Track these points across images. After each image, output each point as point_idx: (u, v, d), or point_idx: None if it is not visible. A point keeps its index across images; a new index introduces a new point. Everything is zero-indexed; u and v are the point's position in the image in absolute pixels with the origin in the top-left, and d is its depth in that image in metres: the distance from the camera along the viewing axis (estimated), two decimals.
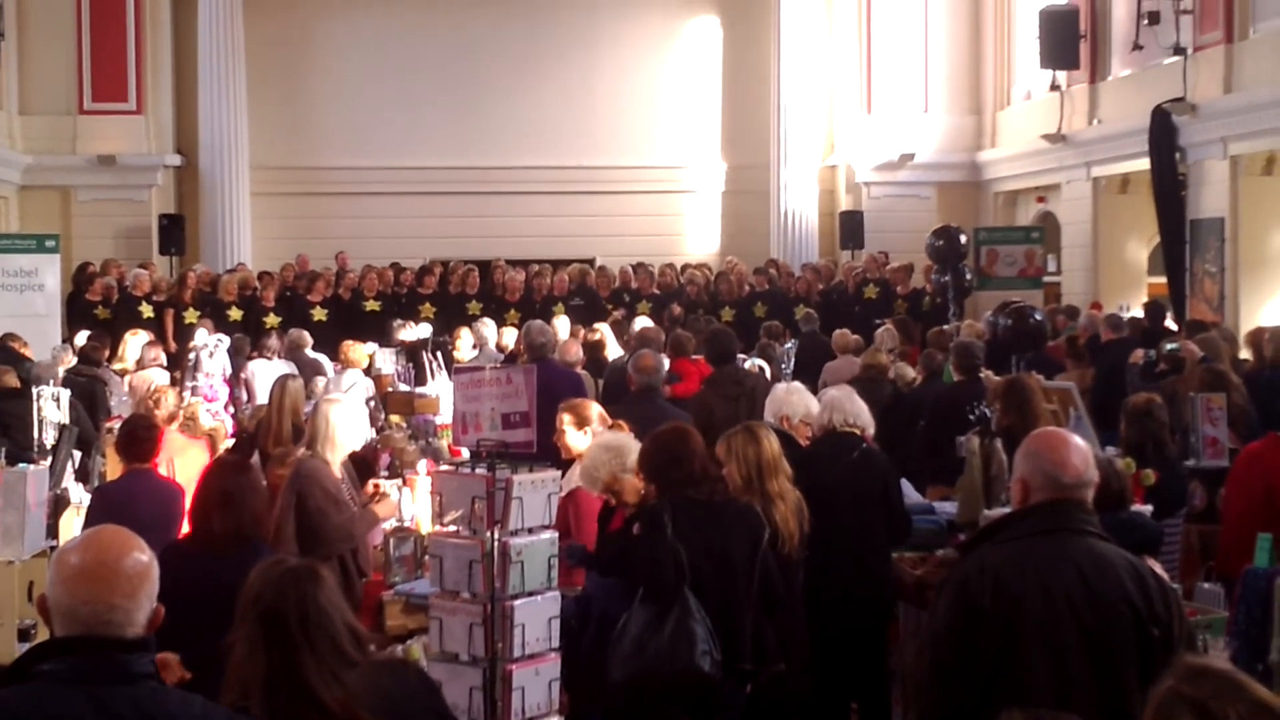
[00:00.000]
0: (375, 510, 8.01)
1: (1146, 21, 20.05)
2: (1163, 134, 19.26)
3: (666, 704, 6.33)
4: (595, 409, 8.25)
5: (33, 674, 3.31)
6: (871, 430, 8.58)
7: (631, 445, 7.20)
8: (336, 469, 8.07)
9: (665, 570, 6.22)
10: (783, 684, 7.00)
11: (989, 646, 4.45)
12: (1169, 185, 19.41)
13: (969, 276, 21.01)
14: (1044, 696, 4.37)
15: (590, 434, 7.97)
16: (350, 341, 14.45)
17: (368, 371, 14.81)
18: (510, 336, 15.76)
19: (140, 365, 15.29)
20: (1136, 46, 20.32)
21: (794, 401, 8.78)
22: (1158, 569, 5.19)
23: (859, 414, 8.40)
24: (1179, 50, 19.32)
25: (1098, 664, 4.47)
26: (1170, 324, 16.92)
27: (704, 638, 6.19)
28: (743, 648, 6.49)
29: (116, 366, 15.13)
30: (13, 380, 12.59)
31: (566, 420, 8.00)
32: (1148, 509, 7.62)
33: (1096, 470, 4.77)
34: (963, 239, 21.11)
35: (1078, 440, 4.79)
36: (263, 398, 13.67)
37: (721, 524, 6.55)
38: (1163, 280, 20.38)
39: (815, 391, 9.89)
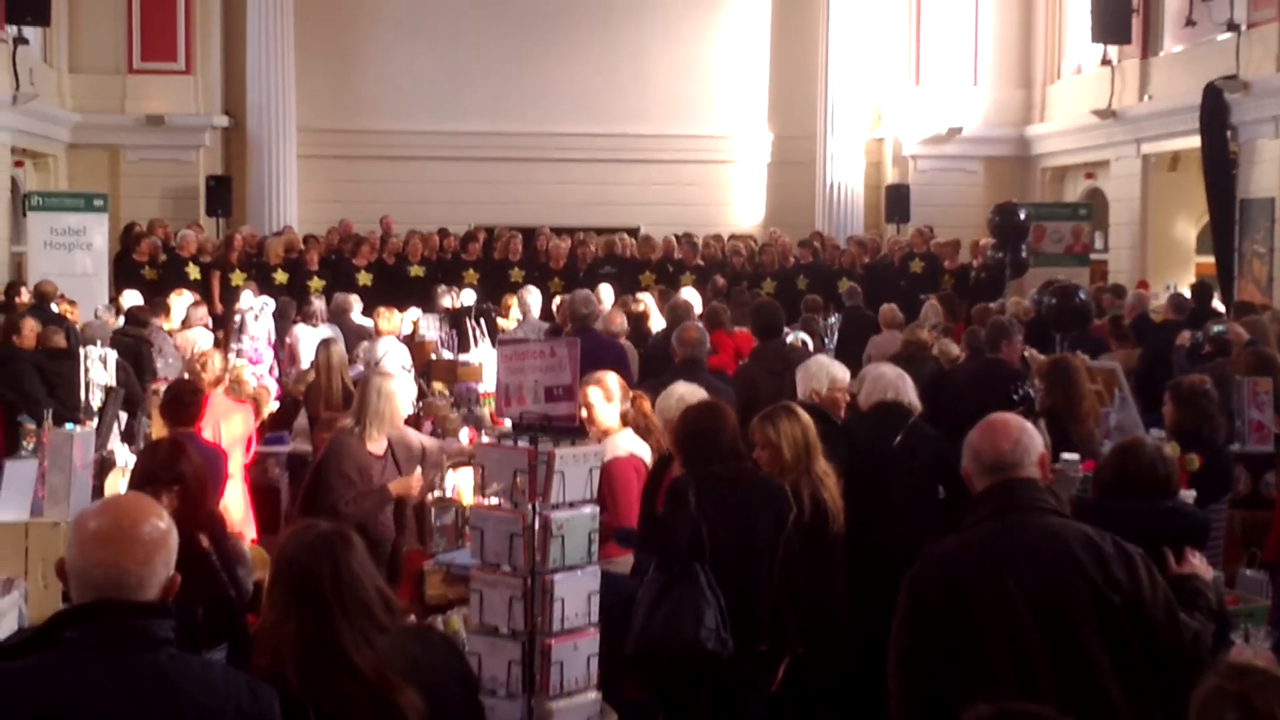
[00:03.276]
0: (389, 488, 8.14)
1: None
2: (1214, 111, 19.09)
3: (678, 679, 6.35)
4: (616, 380, 8.24)
5: (56, 640, 3.34)
6: (918, 406, 8.55)
7: (699, 393, 7.39)
8: (381, 444, 8.16)
9: (678, 541, 6.24)
10: (823, 663, 7.01)
11: (941, 635, 4.52)
12: (1220, 164, 19.25)
13: (1025, 254, 20.77)
14: (1005, 676, 4.42)
15: (616, 408, 7.99)
16: (384, 309, 14.43)
17: (411, 338, 14.85)
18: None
19: (185, 325, 15.38)
20: (1189, 22, 20.14)
21: (818, 374, 8.75)
22: (1197, 559, 5.16)
23: (907, 389, 8.37)
24: (1232, 26, 19.13)
25: (1055, 638, 4.49)
26: (1218, 305, 16.78)
27: (712, 615, 6.17)
28: (760, 628, 6.48)
29: (165, 327, 15.21)
30: (60, 340, 12.69)
31: (596, 394, 7.98)
32: (1191, 494, 7.57)
33: (1036, 448, 4.79)
34: (1023, 215, 20.83)
35: (1011, 422, 4.85)
36: (306, 362, 13.75)
37: (747, 502, 6.54)
38: (1211, 260, 20.24)
39: (860, 366, 9.88)
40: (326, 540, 4.06)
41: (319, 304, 16.05)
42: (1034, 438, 4.81)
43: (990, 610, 4.48)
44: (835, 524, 7.00)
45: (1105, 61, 22.84)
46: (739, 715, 6.56)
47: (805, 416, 7.18)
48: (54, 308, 15.78)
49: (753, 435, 7.08)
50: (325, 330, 15.05)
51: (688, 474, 6.50)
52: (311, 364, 12.76)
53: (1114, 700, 4.44)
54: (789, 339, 12.75)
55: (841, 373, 8.78)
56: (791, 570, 6.59)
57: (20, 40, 21.10)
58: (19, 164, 22.56)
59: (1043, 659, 4.46)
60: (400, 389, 8.39)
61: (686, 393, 7.60)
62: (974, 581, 4.51)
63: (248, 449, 10.29)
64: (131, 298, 16.11)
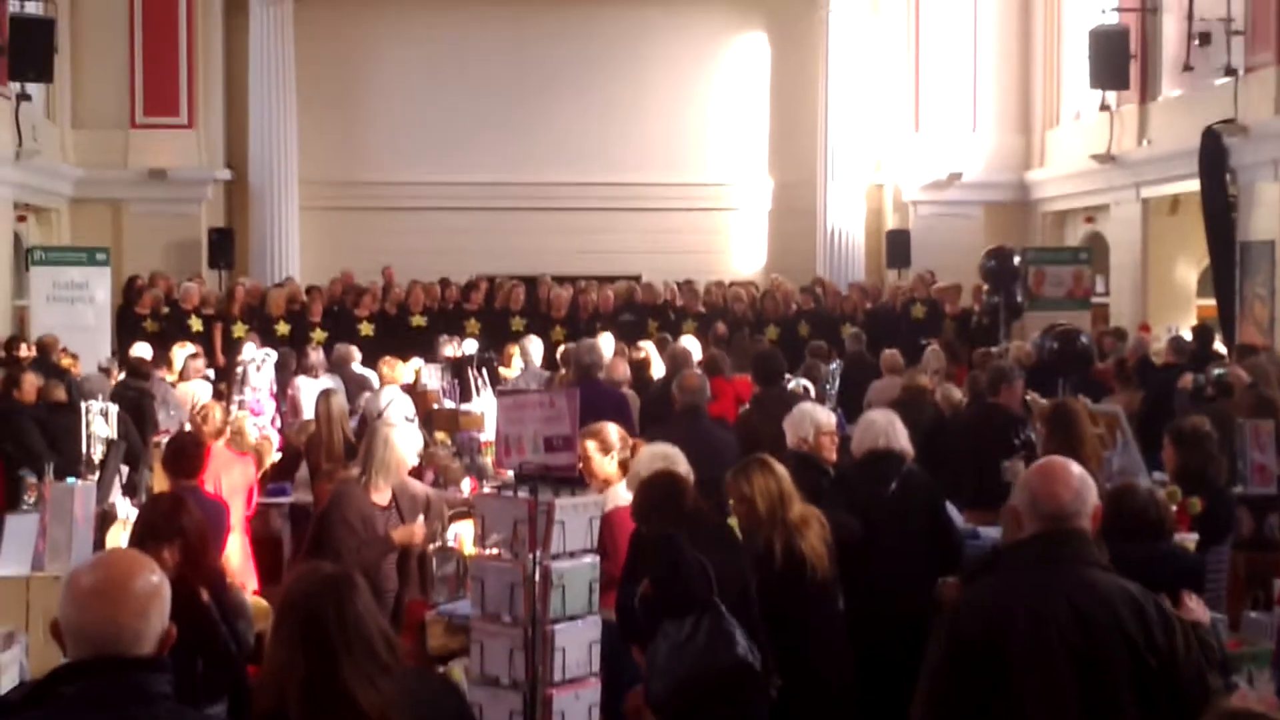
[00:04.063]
0: (392, 537, 8.14)
1: (1198, 42, 19.92)
2: (1213, 155, 19.12)
3: (714, 705, 6.35)
4: (615, 431, 8.25)
5: (53, 696, 3.33)
6: (911, 453, 8.55)
7: (680, 457, 7.37)
8: (385, 494, 8.16)
9: (694, 581, 6.25)
10: (825, 706, 7.01)
11: (981, 681, 4.43)
12: (1219, 207, 19.27)
13: (1021, 298, 20.89)
14: None
15: (615, 458, 8.00)
16: (389, 359, 14.51)
17: (413, 387, 14.87)
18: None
19: (184, 377, 15.41)
20: (1187, 67, 20.19)
21: (802, 422, 8.77)
22: (1194, 602, 5.14)
23: (899, 437, 8.38)
24: (1230, 71, 19.19)
25: (1092, 695, 4.43)
26: (1219, 347, 16.78)
27: (742, 636, 6.22)
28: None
29: (168, 379, 15.24)
30: (61, 394, 12.71)
31: (592, 447, 7.99)
32: (1194, 536, 7.56)
33: (1092, 499, 4.71)
34: (1016, 260, 20.98)
35: (1073, 470, 4.73)
36: (308, 413, 13.76)
37: (727, 546, 6.62)
38: (1212, 303, 20.22)
39: (861, 411, 9.88)
40: (331, 582, 4.07)
41: (318, 355, 16.09)
42: (1092, 489, 4.72)
43: (1031, 661, 4.41)
44: (817, 572, 6.97)
45: (1104, 107, 22.89)
46: None
47: (779, 468, 7.19)
48: (56, 360, 15.79)
49: (727, 489, 7.10)
50: (326, 381, 15.08)
51: (664, 526, 6.51)
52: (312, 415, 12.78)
53: None
54: (791, 385, 12.77)
55: (826, 418, 8.82)
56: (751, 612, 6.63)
57: (23, 96, 21.17)
58: (22, 219, 22.60)
59: (1076, 713, 4.41)
60: (405, 439, 8.40)
61: (647, 465, 7.47)
62: (1018, 631, 4.44)
63: (249, 500, 10.28)
64: (141, 350, 16.14)
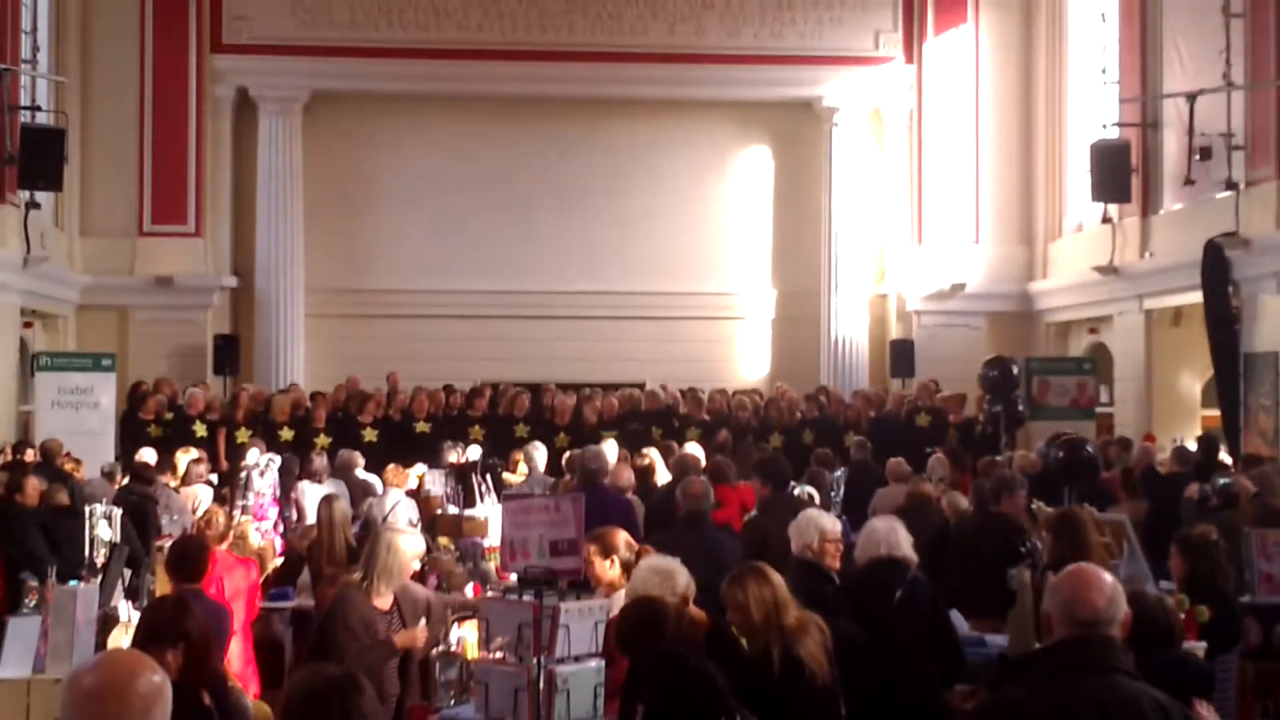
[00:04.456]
0: (395, 641, 8.09)
1: (1198, 157, 20.09)
2: (1215, 267, 19.23)
3: None
4: (623, 537, 8.23)
5: None
6: (914, 560, 8.52)
7: (680, 569, 7.25)
8: (388, 599, 8.12)
9: (717, 685, 6.21)
10: None
11: None
12: (1222, 318, 19.34)
13: (1021, 407, 20.94)
14: None
15: (617, 563, 7.96)
16: (394, 466, 14.56)
17: (417, 493, 14.85)
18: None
19: (186, 481, 15.40)
20: (1188, 181, 20.34)
21: (807, 528, 8.74)
22: (1206, 710, 5.10)
23: (902, 544, 8.36)
24: (1231, 185, 19.35)
25: None
26: (1224, 458, 16.77)
27: None
28: None
29: (171, 484, 15.24)
30: (63, 498, 12.71)
31: (591, 550, 7.96)
32: (1202, 645, 7.52)
33: (1124, 606, 4.70)
34: (1015, 370, 21.07)
35: (1105, 577, 4.73)
36: (312, 518, 13.74)
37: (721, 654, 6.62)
38: (1216, 413, 20.22)
39: (865, 518, 9.86)
40: (335, 684, 4.05)
41: (321, 461, 16.08)
42: (1123, 597, 4.72)
43: None
44: (816, 678, 6.92)
45: (1106, 219, 23.06)
46: None
47: (774, 576, 7.15)
48: (59, 465, 15.79)
49: (723, 597, 7.06)
50: (329, 486, 15.08)
51: (656, 655, 6.48)
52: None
53: None
54: (796, 492, 12.76)
55: (831, 524, 8.79)
56: None
57: (32, 205, 21.34)
58: (28, 325, 22.69)
59: None
60: (408, 544, 8.36)
61: (643, 580, 7.39)
62: None
63: (251, 605, 10.23)
64: (145, 455, 16.14)
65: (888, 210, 26.26)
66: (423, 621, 8.33)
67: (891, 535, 8.40)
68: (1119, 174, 22.01)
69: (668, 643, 6.48)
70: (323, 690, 4.02)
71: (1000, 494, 11.32)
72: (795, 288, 26.32)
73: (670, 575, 7.21)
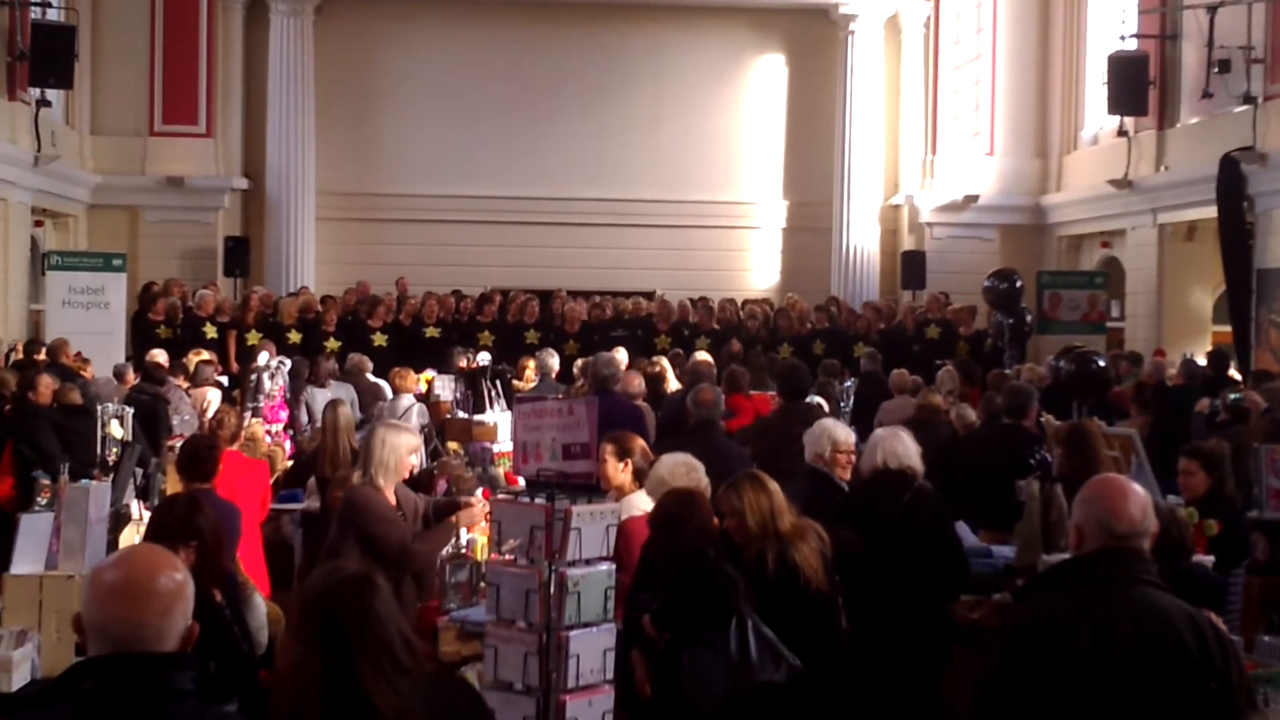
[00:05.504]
0: (455, 520, 8.03)
1: (1217, 70, 19.95)
2: (1231, 182, 19.12)
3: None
4: (639, 443, 8.25)
5: (74, 692, 3.30)
6: (921, 471, 8.52)
7: (701, 466, 7.44)
8: (390, 493, 8.07)
9: (736, 587, 6.25)
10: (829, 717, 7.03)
11: (1043, 697, 4.36)
12: (1236, 234, 19.27)
13: (1028, 320, 20.90)
14: None
15: (630, 466, 7.98)
16: (400, 368, 14.53)
17: (426, 397, 14.87)
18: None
19: (196, 382, 15.43)
20: (1206, 94, 20.20)
21: (820, 438, 8.72)
22: (1218, 623, 5.11)
23: (909, 454, 8.35)
24: (1249, 99, 19.21)
25: (1153, 716, 4.37)
26: (1234, 374, 16.76)
27: (778, 642, 6.26)
28: None
29: (183, 385, 15.27)
30: (76, 398, 12.72)
31: (608, 450, 7.99)
32: (1210, 560, 7.54)
33: (1155, 519, 4.68)
34: (1019, 282, 21.01)
35: (1137, 488, 4.69)
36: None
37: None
38: (1227, 329, 20.21)
39: (871, 430, 9.86)
40: (353, 582, 4.05)
41: (330, 364, 16.09)
42: (1153, 510, 4.69)
43: (1094, 677, 4.36)
44: (811, 583, 6.96)
45: (1122, 132, 22.91)
46: None
47: (770, 483, 7.16)
48: (63, 363, 15.82)
49: (719, 504, 7.09)
50: (338, 389, 15.10)
51: (688, 543, 6.51)
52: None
53: None
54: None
55: (844, 435, 8.77)
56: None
57: (43, 102, 21.27)
58: (39, 224, 22.69)
59: None
60: (403, 439, 8.22)
61: (672, 470, 7.54)
62: (1082, 649, 4.38)
63: (262, 506, 10.26)
64: (156, 355, 16.15)
65: (902, 120, 26.09)
66: (477, 494, 8.29)
67: (898, 445, 8.38)
68: (1136, 86, 21.85)
69: (697, 537, 6.52)
70: (339, 590, 4.03)
71: (1025, 407, 11.32)
72: (807, 198, 26.22)
73: (696, 468, 7.39)
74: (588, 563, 5.57)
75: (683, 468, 7.43)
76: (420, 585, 7.88)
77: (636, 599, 6.80)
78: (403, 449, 8.07)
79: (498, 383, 13.95)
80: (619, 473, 7.91)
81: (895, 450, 8.33)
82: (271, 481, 11.73)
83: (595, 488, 5.95)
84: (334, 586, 4.04)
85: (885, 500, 8.16)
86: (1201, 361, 17.20)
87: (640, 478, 7.97)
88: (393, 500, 8.11)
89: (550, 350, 15.72)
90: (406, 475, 8.25)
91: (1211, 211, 19.71)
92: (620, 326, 20.55)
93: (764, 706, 6.41)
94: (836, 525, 7.56)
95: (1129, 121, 22.66)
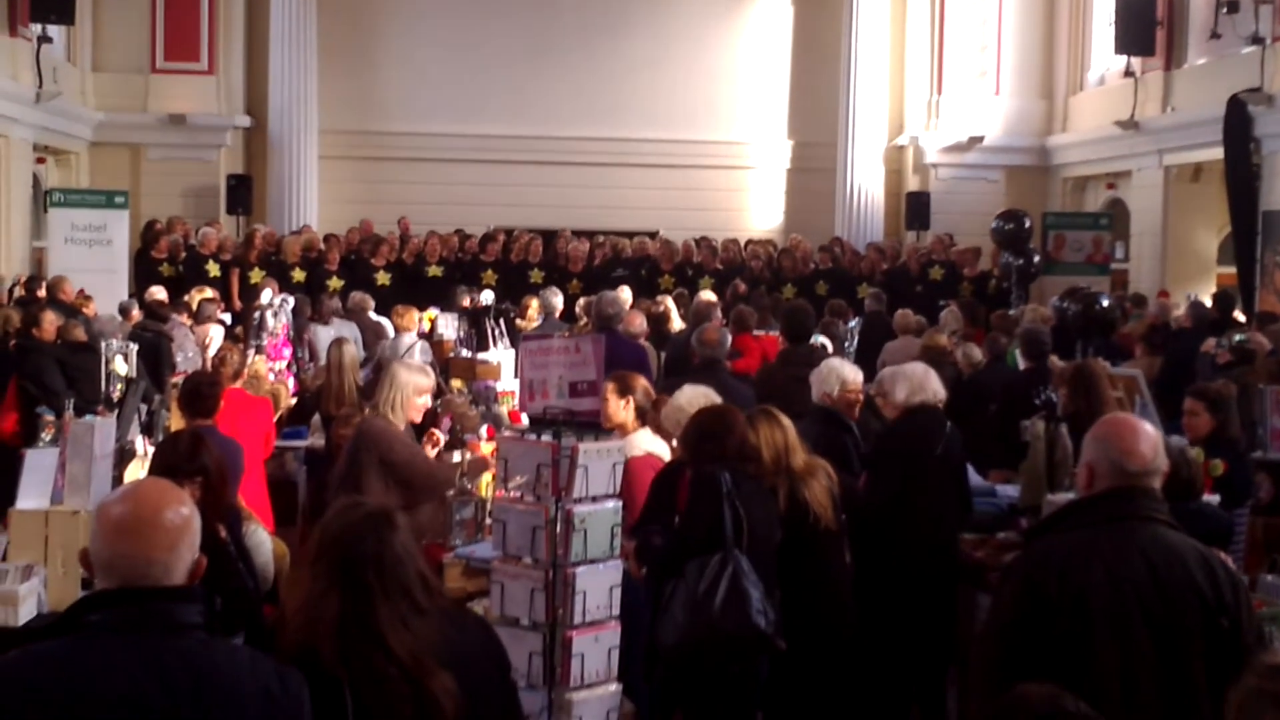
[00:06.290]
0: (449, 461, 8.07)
1: (1225, 10, 19.83)
2: (1238, 124, 19.04)
3: (720, 663, 6.40)
4: (641, 382, 8.26)
5: (80, 625, 3.30)
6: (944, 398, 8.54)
7: (703, 398, 7.42)
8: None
9: (723, 524, 6.24)
10: (827, 658, 7.04)
11: (1055, 636, 4.35)
12: (1242, 175, 19.21)
13: (1036, 261, 20.87)
14: (1110, 686, 4.31)
15: (632, 405, 7.99)
16: (401, 306, 14.51)
17: (429, 336, 14.86)
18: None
19: (199, 320, 15.43)
20: (1214, 35, 20.10)
21: (829, 377, 8.70)
22: (1229, 561, 5.11)
23: (940, 390, 8.33)
24: (1257, 40, 19.09)
25: (1165, 654, 4.37)
26: (1239, 315, 16.74)
27: (758, 598, 6.23)
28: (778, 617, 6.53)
29: (186, 322, 15.26)
30: (80, 334, 12.71)
31: (610, 389, 7.99)
32: (1215, 500, 7.54)
33: (1166, 458, 4.66)
34: (1028, 223, 20.96)
35: (1148, 427, 4.67)
36: (324, 359, 13.76)
37: (761, 497, 6.60)
38: (1232, 270, 20.17)
39: (875, 371, 9.84)
40: (372, 520, 4.04)
41: (333, 303, 16.07)
42: (1164, 449, 4.67)
43: (1107, 616, 4.36)
44: (820, 521, 6.99)
45: (1128, 73, 22.78)
46: (746, 707, 6.59)
47: (784, 419, 7.20)
48: (62, 300, 15.80)
49: None
50: (342, 327, 15.09)
51: (715, 466, 6.47)
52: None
53: None
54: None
55: (853, 374, 8.76)
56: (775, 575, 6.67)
57: (44, 39, 21.16)
58: (41, 160, 22.63)
59: (1149, 674, 4.36)
60: (415, 378, 8.21)
61: (691, 398, 7.58)
62: (1094, 585, 4.37)
63: (266, 443, 10.25)
64: (159, 292, 16.14)
65: (908, 60, 25.93)
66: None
67: (930, 380, 8.34)
68: (1144, 26, 21.73)
69: (737, 453, 6.51)
70: (358, 526, 4.02)
71: (1039, 351, 11.33)
72: (811, 138, 26.10)
73: (715, 399, 7.46)
74: (594, 500, 5.57)
75: (702, 398, 7.44)
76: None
77: (642, 529, 6.82)
78: (410, 388, 8.08)
79: (501, 321, 13.94)
80: (621, 411, 7.92)
81: (928, 385, 8.29)
82: (275, 419, 11.74)
83: (597, 426, 5.93)
84: (353, 524, 4.04)
85: (927, 435, 8.13)
86: (1206, 302, 17.18)
87: (642, 416, 7.99)
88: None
89: (554, 289, 15.72)
90: (418, 418, 8.22)
91: (1218, 153, 19.64)
92: (622, 266, 20.52)
93: (725, 659, 6.40)
94: (847, 464, 7.60)
95: (1136, 62, 22.53)
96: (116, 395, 10.16)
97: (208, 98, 24.62)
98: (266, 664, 3.49)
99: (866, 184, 25.45)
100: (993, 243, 21.31)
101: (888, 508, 7.83)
